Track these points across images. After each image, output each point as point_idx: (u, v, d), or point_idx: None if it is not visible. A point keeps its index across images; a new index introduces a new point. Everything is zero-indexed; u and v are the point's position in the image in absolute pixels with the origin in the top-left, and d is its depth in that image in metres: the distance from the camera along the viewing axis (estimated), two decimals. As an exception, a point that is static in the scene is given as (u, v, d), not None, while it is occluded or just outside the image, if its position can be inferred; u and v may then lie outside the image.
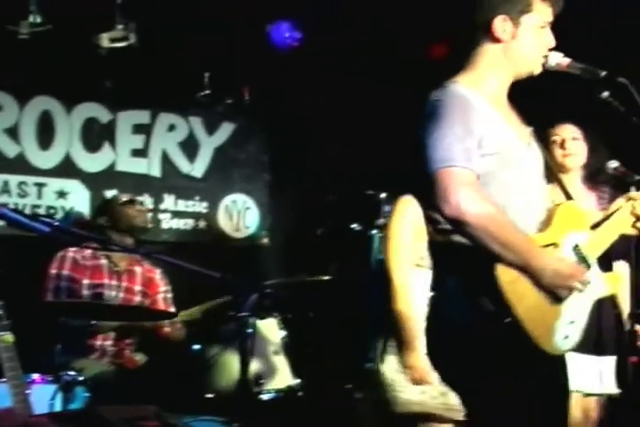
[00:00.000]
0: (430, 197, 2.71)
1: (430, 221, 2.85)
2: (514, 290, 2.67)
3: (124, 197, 5.59)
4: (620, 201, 3.22)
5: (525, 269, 2.71)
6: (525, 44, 2.93)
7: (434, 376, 3.75)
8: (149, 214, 5.64)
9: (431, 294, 2.88)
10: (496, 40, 2.92)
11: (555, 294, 2.76)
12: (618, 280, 3.03)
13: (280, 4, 6.78)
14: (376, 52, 6.94)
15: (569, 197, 3.08)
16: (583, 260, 2.91)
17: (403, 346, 3.95)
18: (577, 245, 2.90)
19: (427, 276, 2.94)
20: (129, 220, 5.43)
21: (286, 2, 6.78)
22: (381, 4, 6.59)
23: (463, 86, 2.88)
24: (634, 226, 3.11)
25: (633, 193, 3.18)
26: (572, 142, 4.43)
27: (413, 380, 3.87)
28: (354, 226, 6.36)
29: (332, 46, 6.96)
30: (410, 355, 3.91)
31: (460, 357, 2.75)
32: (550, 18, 2.97)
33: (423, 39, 6.77)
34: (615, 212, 3.15)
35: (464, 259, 2.73)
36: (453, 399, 3.77)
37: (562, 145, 4.42)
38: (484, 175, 2.77)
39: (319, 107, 7.24)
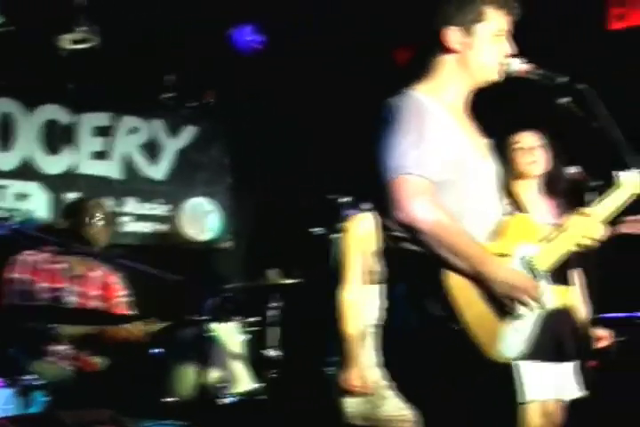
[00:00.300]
0: (385, 204, 2.71)
1: (384, 228, 2.85)
2: (463, 296, 2.68)
3: (91, 207, 5.50)
4: (572, 217, 3.22)
5: (477, 278, 2.72)
6: (481, 54, 2.93)
7: (382, 388, 3.92)
8: (111, 230, 5.55)
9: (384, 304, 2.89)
10: (450, 50, 2.93)
11: (503, 305, 2.76)
12: (566, 294, 3.04)
13: (243, 8, 6.77)
14: (341, 56, 6.94)
15: (522, 208, 3.09)
16: (532, 272, 2.92)
17: (344, 362, 4.27)
18: (526, 257, 2.91)
19: (378, 290, 2.97)
20: (90, 233, 5.36)
21: (249, 5, 6.77)
22: (347, 6, 6.60)
23: (421, 93, 2.88)
24: (579, 243, 3.11)
25: (585, 209, 3.19)
26: (535, 150, 4.45)
27: (352, 393, 4.06)
28: (315, 230, 6.36)
29: (296, 50, 6.96)
30: (349, 371, 4.27)
31: (411, 365, 2.76)
32: (507, 26, 2.97)
33: (390, 43, 6.79)
34: (566, 226, 3.15)
35: (414, 265, 2.74)
36: (399, 410, 3.88)
37: (525, 153, 4.43)
38: (441, 182, 2.77)
39: (282, 110, 7.24)
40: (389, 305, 2.85)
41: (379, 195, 2.78)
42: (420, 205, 2.65)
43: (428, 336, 2.71)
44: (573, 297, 4.27)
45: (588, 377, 4.28)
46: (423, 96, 2.87)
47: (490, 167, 3.01)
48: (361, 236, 4.37)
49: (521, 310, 2.81)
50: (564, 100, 2.98)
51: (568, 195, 4.48)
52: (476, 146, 2.96)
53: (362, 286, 4.38)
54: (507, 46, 2.97)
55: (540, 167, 4.47)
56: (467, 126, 2.98)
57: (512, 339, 2.81)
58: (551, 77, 2.99)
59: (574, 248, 3.11)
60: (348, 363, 4.27)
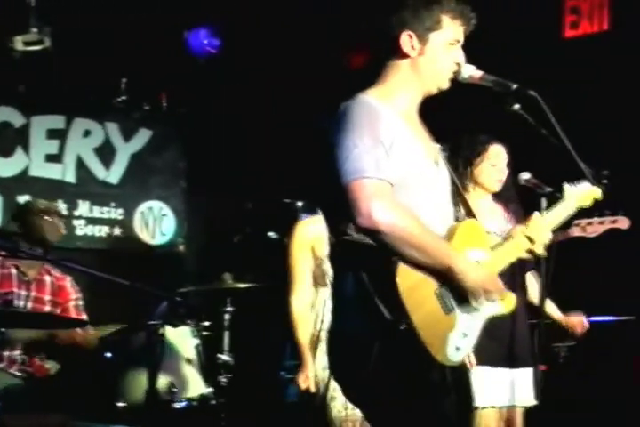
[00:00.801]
0: (342, 208, 2.71)
1: (334, 230, 2.84)
2: (412, 297, 2.67)
3: (42, 206, 5.45)
4: (519, 226, 3.24)
5: (446, 273, 2.74)
6: (433, 61, 2.94)
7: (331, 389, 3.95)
8: (63, 227, 5.49)
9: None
10: (404, 56, 2.93)
11: (470, 297, 2.77)
12: (510, 302, 3.04)
13: (199, 12, 6.76)
14: (294, 60, 6.95)
15: (474, 214, 3.10)
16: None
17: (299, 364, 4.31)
18: (477, 262, 2.91)
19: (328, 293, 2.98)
20: (41, 232, 5.30)
21: (205, 9, 6.76)
22: (302, 11, 6.62)
23: (374, 98, 2.88)
24: (527, 250, 3.13)
25: (531, 218, 3.21)
26: (505, 169, 4.44)
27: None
28: (270, 234, 6.37)
29: (251, 53, 6.96)
30: (301, 373, 4.32)
31: (358, 367, 2.75)
32: (461, 36, 2.98)
33: (344, 48, 6.81)
34: (514, 234, 3.17)
35: (363, 266, 2.74)
36: (345, 410, 3.91)
37: (496, 170, 4.41)
38: (396, 184, 2.78)
39: (237, 114, 7.23)
40: (337, 307, 2.85)
41: (333, 200, 2.77)
42: (381, 208, 2.64)
43: (375, 337, 2.70)
44: (521, 303, 4.32)
45: (537, 381, 4.31)
46: (375, 100, 2.87)
47: (441, 173, 3.02)
48: (310, 239, 4.38)
49: (485, 305, 2.82)
50: (516, 106, 2.99)
51: (519, 201, 4.51)
52: (428, 151, 2.97)
53: (312, 290, 4.39)
54: (460, 56, 2.99)
55: (502, 184, 4.47)
56: (418, 131, 2.98)
57: (460, 343, 2.81)
58: (504, 84, 2.99)
59: (521, 255, 3.13)
60: (301, 365, 4.30)
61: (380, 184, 2.70)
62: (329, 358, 2.90)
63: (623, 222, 4.60)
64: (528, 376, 4.33)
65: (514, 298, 3.05)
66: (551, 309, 4.62)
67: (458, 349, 2.80)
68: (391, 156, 2.77)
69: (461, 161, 4.38)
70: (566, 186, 3.41)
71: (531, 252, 3.11)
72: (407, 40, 2.91)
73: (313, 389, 4.26)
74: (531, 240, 3.09)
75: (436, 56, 2.93)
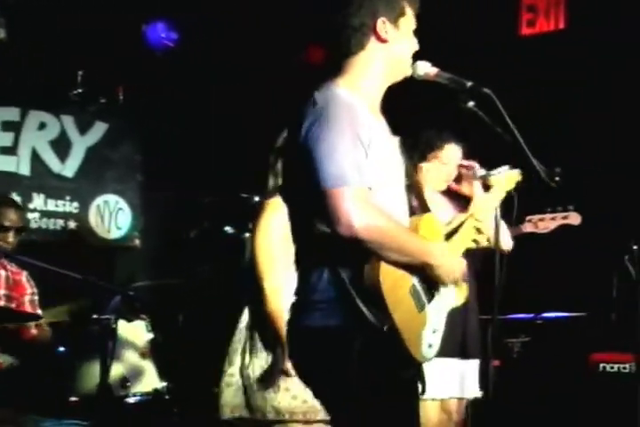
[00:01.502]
0: (317, 209, 2.63)
1: (307, 225, 2.77)
2: (392, 296, 2.66)
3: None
4: (463, 215, 3.27)
5: (423, 269, 2.74)
6: (404, 48, 2.92)
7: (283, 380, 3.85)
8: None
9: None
10: (381, 41, 2.90)
11: (440, 282, 2.79)
12: (463, 293, 3.06)
13: (157, 5, 6.73)
14: (251, 53, 6.94)
15: (427, 208, 3.11)
16: None
17: (276, 344, 3.95)
18: None
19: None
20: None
21: (163, 2, 6.73)
22: (259, 4, 6.61)
23: (347, 90, 2.80)
24: (474, 240, 3.15)
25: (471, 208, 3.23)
26: (456, 168, 4.43)
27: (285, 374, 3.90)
28: (227, 228, 6.35)
29: (208, 47, 6.94)
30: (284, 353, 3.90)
31: (334, 364, 2.70)
32: (414, 21, 2.99)
33: (301, 41, 6.80)
34: (461, 225, 3.20)
35: (340, 263, 2.69)
36: (292, 401, 3.84)
37: (448, 170, 4.41)
38: (374, 185, 2.70)
39: (194, 108, 7.21)
40: (307, 301, 2.76)
41: (306, 197, 2.72)
42: (360, 218, 2.57)
43: (355, 337, 2.65)
44: (473, 295, 4.35)
45: (490, 376, 4.33)
46: (348, 93, 2.79)
47: (400, 165, 3.01)
48: (279, 220, 4.12)
49: (434, 307, 2.82)
50: (470, 103, 3.00)
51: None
52: (391, 143, 2.95)
53: (284, 273, 4.13)
54: (416, 42, 2.99)
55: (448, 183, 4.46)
56: (382, 123, 2.96)
57: (432, 339, 2.81)
58: (459, 82, 3.00)
59: (469, 246, 3.16)
60: (281, 343, 4.04)
61: (359, 191, 2.62)
62: (294, 351, 2.86)
63: (575, 218, 4.64)
64: (476, 368, 4.36)
65: (465, 290, 3.07)
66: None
67: (430, 346, 2.80)
68: (369, 155, 2.71)
69: (417, 154, 4.38)
70: (491, 175, 3.43)
71: (476, 242, 3.14)
72: (382, 26, 2.87)
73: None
74: (479, 231, 3.12)
75: (405, 43, 2.93)
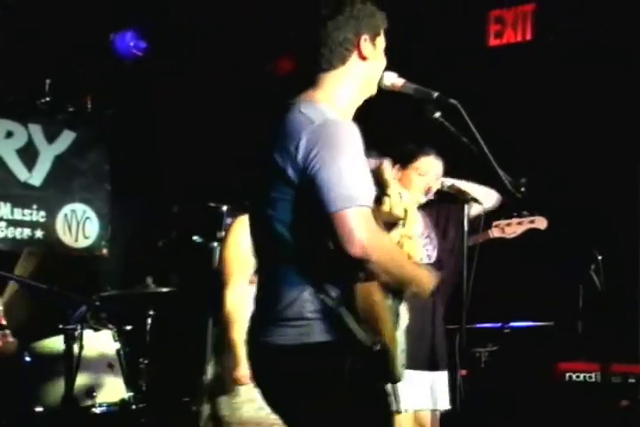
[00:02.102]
0: (327, 235, 2.60)
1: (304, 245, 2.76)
2: (382, 316, 2.69)
3: None
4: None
5: (406, 287, 2.78)
6: (378, 66, 2.95)
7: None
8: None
9: None
10: (361, 58, 2.91)
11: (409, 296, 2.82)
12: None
13: (125, 14, 6.71)
14: (220, 64, 6.94)
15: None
16: None
17: (234, 365, 3.99)
18: None
19: None
20: None
21: (132, 11, 6.72)
22: (229, 14, 6.61)
23: (325, 105, 2.77)
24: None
25: None
26: (434, 179, 4.42)
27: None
28: (195, 238, 6.33)
29: (177, 56, 6.94)
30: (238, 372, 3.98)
31: (315, 384, 2.67)
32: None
33: (270, 53, 6.81)
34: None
35: (333, 283, 2.67)
36: (259, 412, 3.84)
37: (425, 180, 4.41)
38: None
39: (162, 117, 7.20)
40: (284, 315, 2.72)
41: (308, 219, 2.65)
42: (372, 238, 2.58)
43: (343, 354, 2.63)
44: (440, 306, 4.37)
45: (458, 385, 4.35)
46: (328, 108, 2.76)
47: None
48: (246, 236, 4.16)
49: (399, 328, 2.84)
50: (436, 114, 3.02)
51: (436, 208, 4.56)
52: None
53: (248, 287, 4.17)
54: (385, 62, 3.00)
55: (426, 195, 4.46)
56: None
57: (403, 359, 2.81)
58: (425, 92, 3.01)
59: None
60: (235, 363, 4.07)
61: (367, 211, 2.62)
62: (263, 369, 2.83)
63: (541, 222, 4.67)
64: (445, 380, 4.38)
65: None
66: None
67: (402, 365, 2.82)
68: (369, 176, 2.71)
69: (395, 165, 4.39)
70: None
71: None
72: (364, 43, 2.89)
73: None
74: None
75: (380, 60, 2.95)
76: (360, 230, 2.56)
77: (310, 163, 2.62)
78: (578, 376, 5.13)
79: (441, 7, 6.39)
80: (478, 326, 5.54)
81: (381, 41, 2.94)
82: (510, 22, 6.51)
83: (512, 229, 4.65)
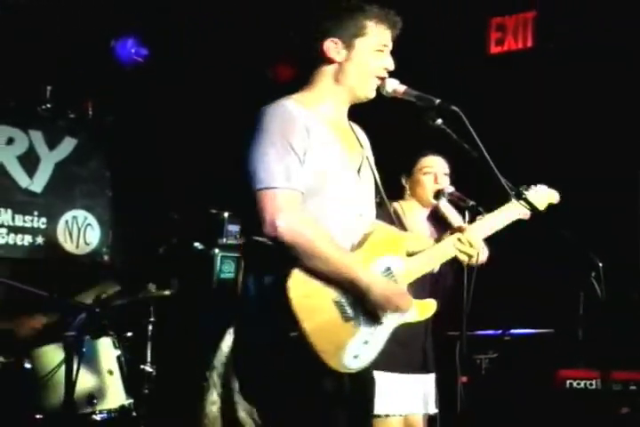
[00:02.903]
0: (251, 213, 2.73)
1: (245, 231, 2.89)
2: (306, 304, 2.71)
3: None
4: (446, 234, 3.27)
5: (350, 284, 2.77)
6: (360, 66, 2.97)
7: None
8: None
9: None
10: (329, 62, 2.96)
11: (375, 310, 2.80)
12: (428, 308, 3.06)
13: (127, 20, 6.72)
14: (220, 71, 6.95)
15: (402, 225, 3.13)
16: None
17: None
18: (389, 268, 2.95)
19: None
20: None
21: (133, 18, 6.73)
22: (229, 21, 6.62)
23: (296, 103, 2.90)
24: (458, 258, 3.17)
25: (460, 225, 3.24)
26: (444, 177, 4.43)
27: None
28: (196, 244, 6.34)
29: (178, 63, 6.95)
30: None
31: (257, 372, 2.79)
32: (388, 41, 3.01)
33: (270, 59, 6.83)
34: (438, 242, 3.21)
35: (264, 269, 2.78)
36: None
37: (435, 178, 4.41)
38: (307, 190, 2.82)
39: (163, 124, 7.20)
40: (242, 307, 2.86)
41: (243, 201, 2.80)
42: (285, 221, 2.69)
43: (269, 344, 2.74)
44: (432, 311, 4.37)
45: (459, 392, 4.34)
46: (296, 105, 2.89)
47: (364, 181, 3.03)
48: None
49: (390, 318, 2.84)
50: (438, 121, 3.02)
51: (442, 218, 4.55)
52: (351, 159, 2.98)
53: None
54: (388, 62, 3.01)
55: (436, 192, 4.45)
56: (345, 139, 3.00)
57: (360, 350, 2.81)
58: (427, 99, 3.02)
59: (447, 258, 3.17)
60: None
61: (288, 194, 2.75)
62: (233, 359, 2.93)
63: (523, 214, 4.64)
64: (433, 382, 4.38)
65: (432, 305, 3.07)
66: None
67: (356, 356, 2.80)
68: (306, 162, 2.81)
69: (404, 174, 4.41)
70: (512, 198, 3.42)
71: (467, 255, 3.15)
72: (332, 46, 2.95)
73: None
74: (465, 242, 3.14)
75: (363, 62, 2.97)
76: (274, 212, 2.70)
77: (242, 152, 2.82)
78: (578, 384, 5.12)
79: (442, 14, 6.40)
80: (479, 333, 5.53)
81: (368, 41, 2.96)
82: (511, 29, 6.52)
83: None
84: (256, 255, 2.82)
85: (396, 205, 4.33)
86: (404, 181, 4.43)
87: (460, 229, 3.23)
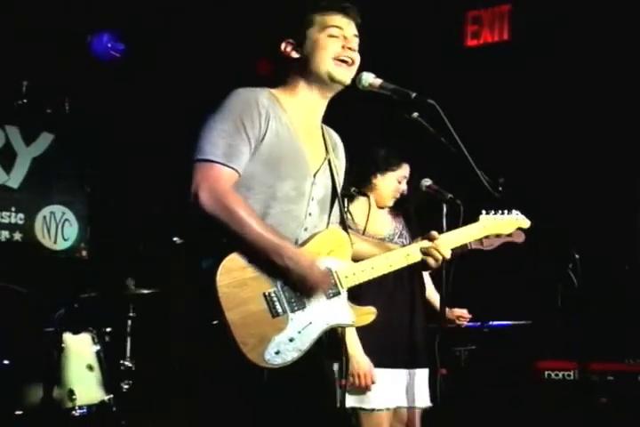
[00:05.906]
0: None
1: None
2: (233, 294, 2.72)
3: None
4: (417, 239, 3.27)
5: (275, 253, 2.77)
6: (316, 53, 3.00)
7: None
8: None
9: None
10: (292, 60, 3.01)
11: (299, 284, 2.81)
12: (365, 315, 3.03)
13: (103, 15, 6.70)
14: (199, 65, 6.94)
15: (344, 224, 3.14)
16: (333, 286, 2.96)
17: None
18: (330, 269, 2.93)
19: None
20: None
21: (109, 13, 6.70)
22: (207, 15, 6.61)
23: (269, 95, 2.95)
24: (426, 264, 3.16)
25: (433, 233, 3.22)
26: (405, 186, 4.47)
27: None
28: (175, 239, 6.33)
29: (154, 57, 6.93)
30: None
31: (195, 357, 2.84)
32: (341, 24, 3.02)
33: (251, 53, 6.82)
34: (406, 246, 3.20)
35: (202, 257, 2.79)
36: None
37: (399, 188, 4.44)
38: (250, 178, 2.85)
39: (142, 118, 7.18)
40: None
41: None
42: (209, 192, 2.71)
43: (197, 332, 2.79)
44: (419, 304, 4.38)
45: (438, 384, 4.36)
46: (267, 96, 2.94)
47: (321, 181, 3.02)
48: None
49: (304, 318, 2.84)
50: (414, 114, 3.02)
51: (408, 216, 4.57)
52: (313, 157, 2.99)
53: None
54: (343, 43, 3.00)
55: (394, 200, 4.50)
56: (309, 139, 3.01)
57: (283, 347, 2.80)
58: (403, 93, 3.02)
59: (405, 264, 3.14)
60: None
61: (223, 170, 2.78)
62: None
63: (518, 236, 4.70)
64: (425, 377, 4.39)
65: (371, 312, 3.04)
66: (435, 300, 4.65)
67: (278, 352, 2.79)
68: (257, 152, 2.85)
69: (370, 169, 4.42)
70: (482, 214, 3.46)
71: (433, 260, 3.15)
72: (289, 47, 3.01)
73: None
74: (434, 251, 3.14)
75: (318, 47, 3.00)
76: (201, 182, 2.74)
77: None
78: (557, 374, 5.16)
79: (418, 8, 6.41)
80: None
81: (317, 31, 3.02)
82: (487, 22, 6.54)
83: (490, 241, 4.69)
84: (197, 237, 2.85)
85: (365, 199, 4.39)
86: (373, 179, 4.44)
87: (431, 237, 3.20)
